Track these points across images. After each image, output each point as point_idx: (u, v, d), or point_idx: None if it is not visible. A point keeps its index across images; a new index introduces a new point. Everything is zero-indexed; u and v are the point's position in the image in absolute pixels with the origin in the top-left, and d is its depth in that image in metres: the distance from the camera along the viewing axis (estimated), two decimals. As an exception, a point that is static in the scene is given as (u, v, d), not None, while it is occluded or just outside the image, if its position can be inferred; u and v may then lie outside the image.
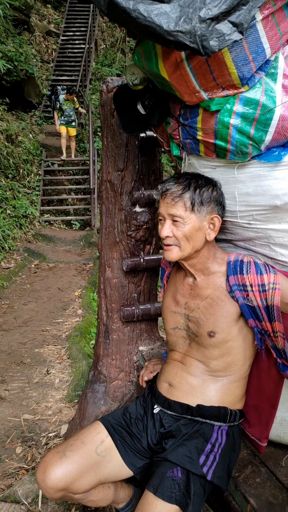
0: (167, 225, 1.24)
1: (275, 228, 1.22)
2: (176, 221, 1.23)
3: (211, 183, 1.25)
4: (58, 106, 8.64)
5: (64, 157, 9.14)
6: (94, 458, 1.31)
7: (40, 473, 1.27)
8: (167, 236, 1.24)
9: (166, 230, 1.24)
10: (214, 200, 1.24)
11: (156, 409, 1.40)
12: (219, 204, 1.26)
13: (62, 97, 8.63)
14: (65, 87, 8.98)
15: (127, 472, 1.37)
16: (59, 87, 8.90)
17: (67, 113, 8.78)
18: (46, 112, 10.79)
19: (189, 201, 1.21)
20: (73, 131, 9.03)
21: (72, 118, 8.91)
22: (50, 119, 10.57)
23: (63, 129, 8.88)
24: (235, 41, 0.88)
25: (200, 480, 1.21)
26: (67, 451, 1.30)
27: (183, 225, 1.22)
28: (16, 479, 2.02)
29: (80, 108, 9.27)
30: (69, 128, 8.90)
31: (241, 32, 0.86)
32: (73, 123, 8.98)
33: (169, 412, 1.36)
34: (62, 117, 8.77)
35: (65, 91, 8.70)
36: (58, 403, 2.72)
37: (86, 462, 1.29)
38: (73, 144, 9.27)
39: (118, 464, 1.35)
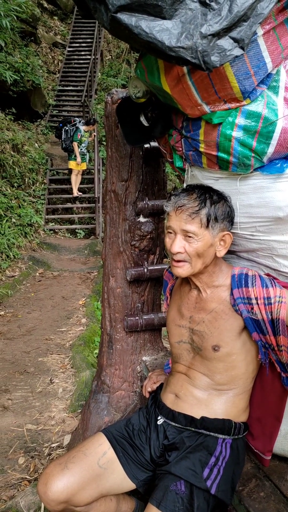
0: (178, 240, 1.21)
1: (278, 239, 1.22)
2: (189, 237, 1.19)
3: (223, 198, 1.23)
4: (79, 137, 8.28)
5: (76, 193, 8.77)
6: (96, 470, 1.31)
7: (41, 485, 1.27)
8: (178, 252, 1.21)
9: (177, 245, 1.21)
10: (228, 216, 1.22)
11: (160, 421, 1.39)
12: (231, 219, 1.24)
13: (82, 128, 8.32)
14: (81, 119, 8.76)
15: (130, 485, 1.36)
16: (77, 119, 8.63)
17: (84, 144, 8.48)
18: (52, 122, 10.90)
19: (205, 218, 1.18)
20: (84, 165, 8.70)
21: (86, 151, 8.65)
22: (54, 128, 10.54)
23: (83, 166, 8.56)
24: (236, 56, 0.89)
25: (204, 494, 1.19)
26: (69, 463, 1.30)
27: (196, 241, 1.19)
28: (18, 490, 2.00)
29: (89, 138, 8.88)
30: (82, 163, 8.61)
31: (242, 48, 0.87)
32: (86, 157, 8.70)
33: (173, 424, 1.35)
34: (79, 149, 8.41)
35: (84, 122, 8.45)
36: (61, 413, 2.71)
37: (88, 474, 1.29)
38: (79, 178, 8.77)
39: (120, 477, 1.34)
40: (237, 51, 0.88)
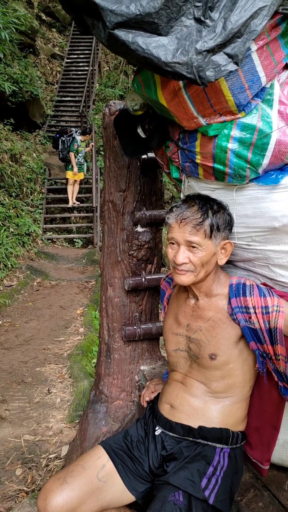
0: (182, 251, 1.22)
1: (274, 249, 1.24)
2: (193, 247, 1.21)
3: (223, 207, 1.25)
4: (76, 147, 8.36)
5: (71, 204, 8.87)
6: (96, 484, 1.30)
7: (41, 500, 1.25)
8: (183, 263, 1.23)
9: (182, 256, 1.22)
10: (228, 225, 1.25)
11: (158, 431, 1.38)
12: (231, 228, 1.27)
13: (79, 138, 8.40)
14: (77, 129, 8.85)
15: (129, 497, 1.35)
16: (73, 129, 8.72)
17: (81, 154, 8.56)
18: (50, 132, 10.98)
19: (209, 228, 1.20)
20: (81, 175, 8.76)
21: (83, 160, 8.74)
22: (52, 138, 10.62)
23: (80, 176, 8.62)
24: (231, 71, 0.91)
25: (202, 504, 1.19)
26: (67, 477, 1.29)
27: (200, 251, 1.21)
28: (15, 501, 1.98)
29: (86, 148, 8.98)
30: (78, 173, 8.67)
31: (236, 63, 0.90)
32: (83, 166, 8.77)
33: (171, 434, 1.34)
34: (76, 159, 8.49)
35: (80, 132, 8.54)
36: (59, 424, 2.69)
37: (88, 488, 1.28)
38: (76, 188, 8.89)
39: (120, 489, 1.33)
40: (232, 67, 0.90)
